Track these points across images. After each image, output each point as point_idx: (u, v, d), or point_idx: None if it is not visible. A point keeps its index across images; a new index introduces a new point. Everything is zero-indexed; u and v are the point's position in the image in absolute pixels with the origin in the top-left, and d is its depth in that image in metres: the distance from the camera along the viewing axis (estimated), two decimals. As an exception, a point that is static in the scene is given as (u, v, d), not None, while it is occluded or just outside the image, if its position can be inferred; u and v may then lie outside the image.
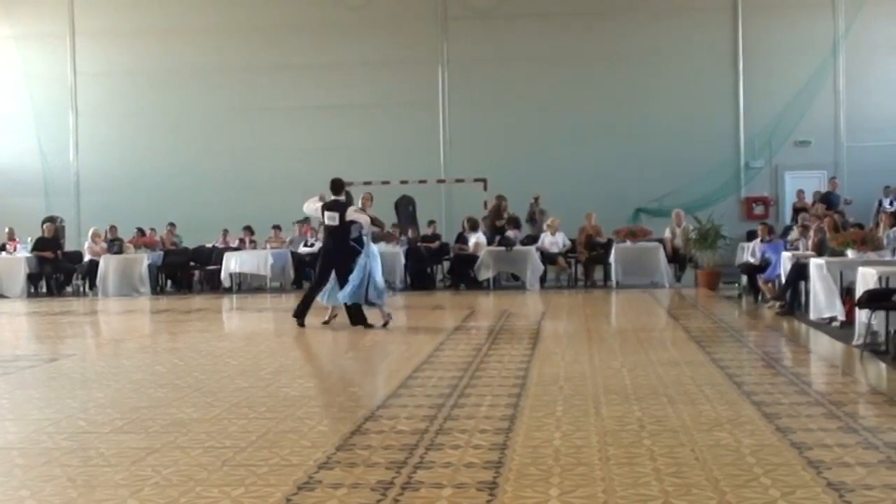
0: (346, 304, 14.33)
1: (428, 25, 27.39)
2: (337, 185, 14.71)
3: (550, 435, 6.82)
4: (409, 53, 27.30)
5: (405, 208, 25.65)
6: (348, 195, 15.16)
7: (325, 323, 14.79)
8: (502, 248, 21.58)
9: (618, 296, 19.70)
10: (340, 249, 14.39)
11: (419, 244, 22.81)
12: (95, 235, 23.20)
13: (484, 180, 25.46)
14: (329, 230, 14.63)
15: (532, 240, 22.69)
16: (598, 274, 22.51)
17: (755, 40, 26.59)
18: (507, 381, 9.13)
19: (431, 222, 23.85)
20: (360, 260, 14.13)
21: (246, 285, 23.03)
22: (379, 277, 14.28)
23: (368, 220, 14.69)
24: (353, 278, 14.05)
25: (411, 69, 27.33)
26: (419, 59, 27.33)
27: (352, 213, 14.50)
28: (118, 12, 28.15)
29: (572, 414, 7.55)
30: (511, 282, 22.50)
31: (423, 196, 26.04)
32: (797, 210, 23.42)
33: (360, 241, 14.34)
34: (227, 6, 27.93)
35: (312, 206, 14.91)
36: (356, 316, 14.39)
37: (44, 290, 23.42)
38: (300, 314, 14.77)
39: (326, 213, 14.48)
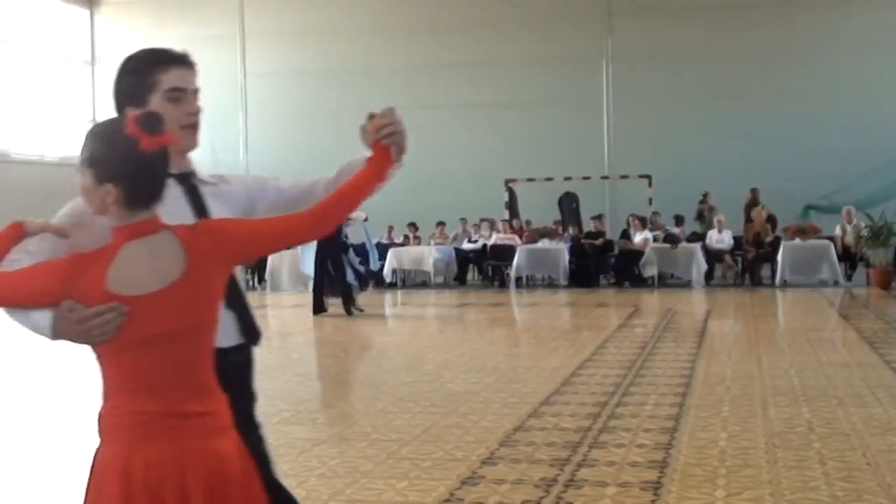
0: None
1: (591, 20, 27.19)
2: None
3: (716, 435, 6.71)
4: (572, 49, 27.13)
5: (568, 205, 25.56)
6: None
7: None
8: (667, 246, 21.31)
9: (786, 294, 19.26)
10: (337, 246, 16.58)
11: (583, 241, 22.69)
12: (265, 231, 23.71)
13: (649, 177, 25.18)
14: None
15: (698, 237, 22.35)
16: (764, 272, 22.02)
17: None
18: (671, 380, 9.02)
19: (596, 217, 23.64)
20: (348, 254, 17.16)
21: (410, 281, 23.25)
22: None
23: (363, 215, 16.95)
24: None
25: (574, 65, 27.16)
26: (582, 54, 27.13)
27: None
28: (285, 14, 28.71)
29: (739, 415, 7.42)
30: (676, 279, 22.19)
31: (586, 193, 25.90)
32: None
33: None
34: (388, 5, 28.21)
35: None
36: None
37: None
38: (319, 308, 16.71)
39: None
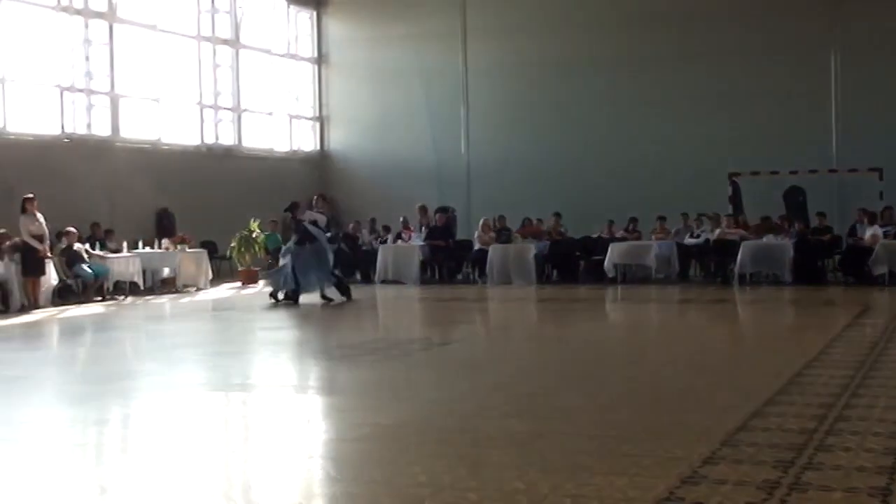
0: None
1: (819, 6, 26.27)
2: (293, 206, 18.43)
3: (952, 442, 6.42)
4: (798, 37, 26.27)
5: (794, 199, 24.88)
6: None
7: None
8: (898, 242, 20.48)
9: None
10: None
11: (809, 237, 22.03)
12: (485, 225, 23.87)
13: (879, 170, 24.22)
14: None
15: (933, 233, 21.40)
16: None
17: None
18: (903, 382, 8.68)
19: (821, 214, 22.91)
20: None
21: (631, 276, 23.01)
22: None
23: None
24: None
25: (801, 54, 26.28)
26: (810, 42, 26.22)
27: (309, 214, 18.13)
28: (506, 9, 28.82)
29: (977, 420, 7.08)
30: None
31: (813, 186, 25.13)
32: None
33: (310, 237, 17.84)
34: (609, -3, 28.03)
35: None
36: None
37: (436, 277, 24.35)
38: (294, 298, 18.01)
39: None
